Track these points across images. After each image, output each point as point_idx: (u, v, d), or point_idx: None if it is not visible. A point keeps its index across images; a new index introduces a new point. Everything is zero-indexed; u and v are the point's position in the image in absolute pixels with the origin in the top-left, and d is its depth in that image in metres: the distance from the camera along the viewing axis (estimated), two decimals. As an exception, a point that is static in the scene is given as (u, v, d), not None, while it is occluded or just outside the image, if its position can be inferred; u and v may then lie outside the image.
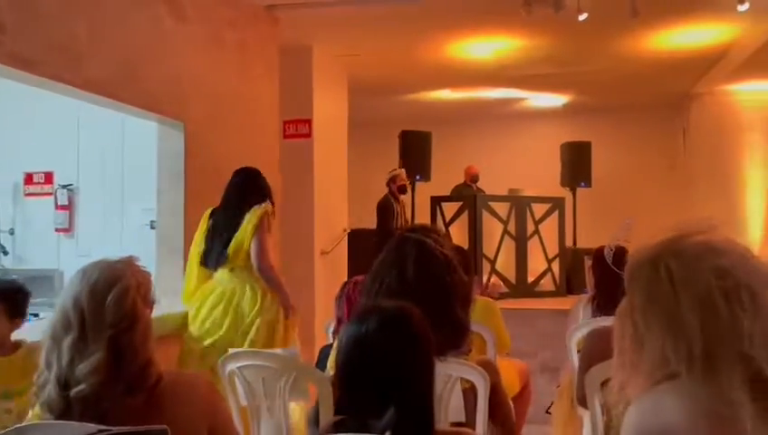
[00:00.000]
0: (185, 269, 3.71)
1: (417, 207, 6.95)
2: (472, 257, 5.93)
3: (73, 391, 1.27)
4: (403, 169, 6.65)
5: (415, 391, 1.26)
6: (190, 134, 3.81)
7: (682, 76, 6.93)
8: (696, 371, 1.09)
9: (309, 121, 5.75)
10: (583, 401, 2.32)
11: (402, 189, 6.46)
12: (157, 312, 3.43)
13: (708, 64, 6.44)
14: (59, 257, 4.83)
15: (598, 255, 2.90)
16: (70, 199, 4.88)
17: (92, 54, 3.10)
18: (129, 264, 1.36)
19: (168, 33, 3.67)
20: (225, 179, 4.19)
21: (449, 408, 2.01)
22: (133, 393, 1.31)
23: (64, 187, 4.89)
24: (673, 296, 1.12)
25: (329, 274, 5.69)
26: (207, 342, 3.09)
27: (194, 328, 3.17)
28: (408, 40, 5.73)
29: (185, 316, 3.27)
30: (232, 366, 2.06)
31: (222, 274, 3.20)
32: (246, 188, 3.30)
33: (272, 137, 4.95)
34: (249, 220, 3.15)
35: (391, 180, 6.50)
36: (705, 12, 4.96)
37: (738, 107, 7.45)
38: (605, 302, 2.84)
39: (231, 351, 2.10)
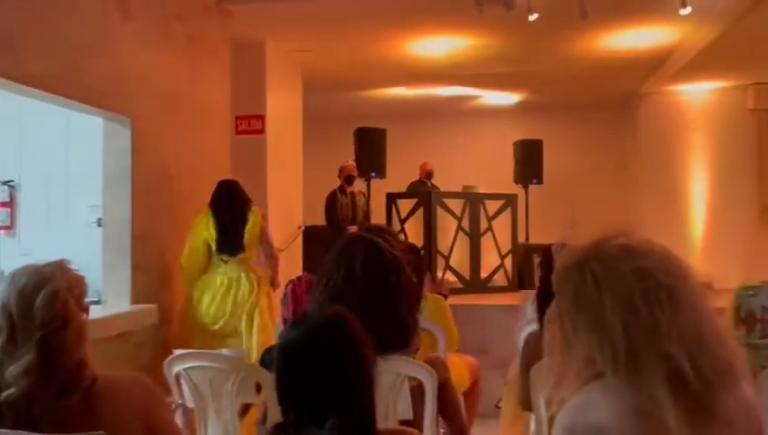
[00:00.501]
0: (132, 268, 3.65)
1: (372, 204, 6.97)
2: (425, 257, 6.01)
3: (3, 395, 1.23)
4: (350, 161, 6.63)
5: (351, 396, 1.26)
6: (137, 130, 3.72)
7: (630, 76, 7.13)
8: (620, 370, 1.13)
9: (262, 117, 5.70)
10: (525, 404, 2.37)
11: (348, 180, 6.44)
12: (104, 312, 3.38)
13: (654, 65, 6.65)
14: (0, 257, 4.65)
15: (546, 253, 2.96)
16: (11, 196, 4.70)
17: (34, 48, 2.99)
18: (59, 266, 1.33)
19: (113, 27, 3.57)
20: (174, 176, 4.14)
21: (397, 406, 2.02)
22: (67, 395, 1.28)
23: (5, 183, 4.71)
24: (597, 299, 1.16)
25: (283, 272, 5.63)
26: (217, 326, 3.82)
27: (200, 313, 3.85)
28: (361, 36, 5.73)
29: (149, 313, 3.67)
30: (178, 368, 2.02)
31: (219, 264, 3.90)
32: (240, 193, 4.02)
33: (223, 133, 4.88)
34: (255, 219, 3.95)
35: (339, 172, 6.50)
36: (650, 14, 5.12)
37: (683, 107, 7.71)
38: (551, 300, 2.89)
39: (176, 352, 2.06)
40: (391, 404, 1.99)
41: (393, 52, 6.16)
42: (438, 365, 2.09)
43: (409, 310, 1.97)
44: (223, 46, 4.87)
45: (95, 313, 3.35)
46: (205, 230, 3.90)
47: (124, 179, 3.69)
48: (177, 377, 2.04)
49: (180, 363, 2.02)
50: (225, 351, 2.22)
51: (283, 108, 6.16)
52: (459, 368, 3.24)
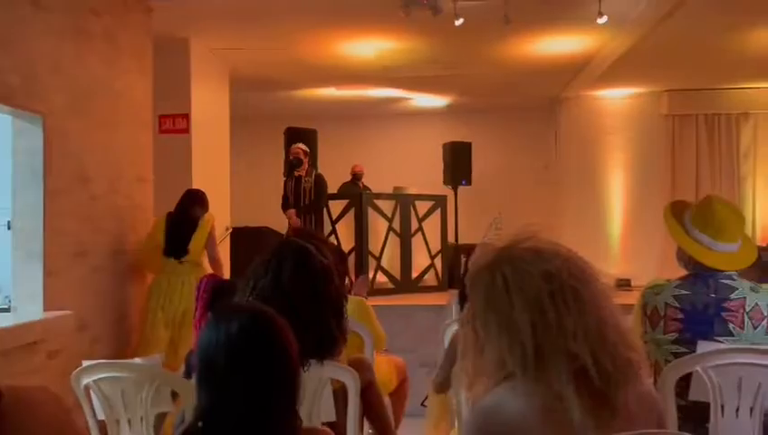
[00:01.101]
0: (44, 273, 3.48)
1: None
2: (356, 258, 6.01)
3: None
4: (299, 145, 6.46)
5: (272, 396, 1.25)
6: (50, 129, 3.53)
7: (553, 81, 7.38)
8: (529, 370, 1.17)
9: (187, 116, 5.56)
10: (439, 388, 2.48)
11: (291, 165, 6.33)
12: (14, 320, 3.19)
13: (575, 71, 6.90)
14: None
15: (471, 254, 3.02)
16: None
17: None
18: None
19: (23, 20, 3.37)
20: (92, 177, 3.97)
21: (320, 409, 2.01)
22: None
23: None
24: (507, 301, 1.19)
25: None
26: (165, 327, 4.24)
27: (153, 314, 4.26)
28: (290, 35, 5.67)
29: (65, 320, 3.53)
30: (87, 379, 1.93)
31: (173, 265, 4.33)
32: (196, 201, 4.53)
33: (145, 132, 4.71)
34: (204, 226, 4.44)
35: None
36: (570, 22, 5.31)
37: (602, 112, 8.05)
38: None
39: (84, 363, 1.97)
40: (314, 407, 1.98)
41: (323, 52, 6.12)
42: (362, 367, 2.10)
43: (336, 319, 1.96)
44: (144, 42, 4.71)
45: (4, 321, 3.18)
46: (158, 233, 4.35)
47: (35, 181, 3.50)
48: (87, 389, 1.95)
49: (89, 375, 1.93)
50: (137, 359, 2.12)
51: (209, 107, 6.02)
52: (387, 368, 3.26)
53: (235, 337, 1.23)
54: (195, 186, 5.61)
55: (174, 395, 1.95)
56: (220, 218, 6.15)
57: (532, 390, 1.16)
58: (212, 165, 6.01)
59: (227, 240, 6.19)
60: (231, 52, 6.00)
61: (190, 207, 4.45)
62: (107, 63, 4.17)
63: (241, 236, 6.27)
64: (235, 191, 6.72)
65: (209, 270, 4.47)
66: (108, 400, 1.90)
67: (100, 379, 1.90)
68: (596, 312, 1.19)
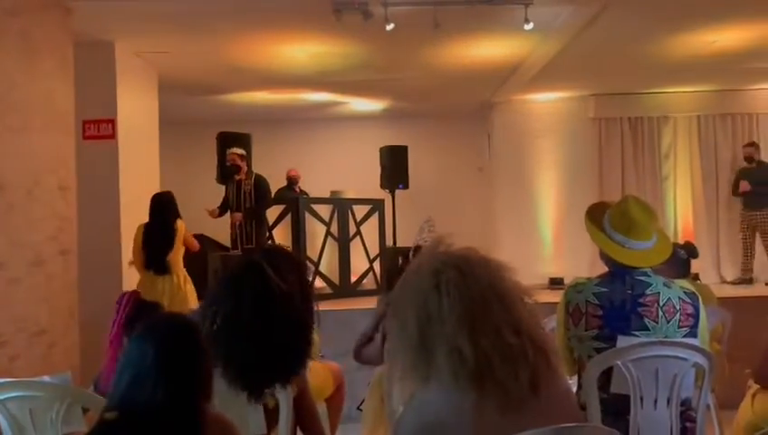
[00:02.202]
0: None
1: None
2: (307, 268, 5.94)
3: None
4: (235, 149, 6.38)
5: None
6: (-42, 134, 3.34)
7: (484, 85, 7.52)
8: (420, 369, 1.19)
9: (112, 121, 5.37)
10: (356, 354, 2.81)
11: (227, 171, 6.26)
12: None
13: (506, 75, 7.05)
14: None
15: (407, 256, 3.06)
16: None
17: None
18: None
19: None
20: (7, 184, 3.76)
21: (249, 422, 1.97)
22: None
23: None
24: (403, 304, 1.24)
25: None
26: None
27: None
28: (220, 39, 5.55)
29: None
30: (-7, 400, 1.81)
31: (151, 278, 4.55)
32: (171, 209, 4.74)
33: (67, 137, 4.51)
34: (179, 237, 4.67)
35: None
36: (498, 28, 5.41)
37: (533, 115, 8.26)
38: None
39: (-10, 382, 1.85)
40: (242, 419, 1.93)
41: (255, 56, 6.03)
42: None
43: (301, 344, 1.97)
44: (64, 44, 4.51)
45: None
46: (138, 243, 4.56)
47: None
48: (-7, 410, 1.83)
49: (-5, 394, 1.81)
50: (46, 377, 2.01)
51: (136, 111, 5.84)
52: (323, 374, 3.23)
53: (166, 345, 1.39)
54: (123, 194, 5.45)
55: (85, 412, 1.86)
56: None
57: (443, 387, 1.19)
58: (140, 172, 5.83)
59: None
60: (158, 55, 5.83)
61: (164, 219, 4.62)
62: (21, 65, 3.97)
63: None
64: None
65: (182, 281, 4.68)
66: (16, 420, 1.79)
67: (7, 398, 1.79)
68: (493, 306, 1.20)
